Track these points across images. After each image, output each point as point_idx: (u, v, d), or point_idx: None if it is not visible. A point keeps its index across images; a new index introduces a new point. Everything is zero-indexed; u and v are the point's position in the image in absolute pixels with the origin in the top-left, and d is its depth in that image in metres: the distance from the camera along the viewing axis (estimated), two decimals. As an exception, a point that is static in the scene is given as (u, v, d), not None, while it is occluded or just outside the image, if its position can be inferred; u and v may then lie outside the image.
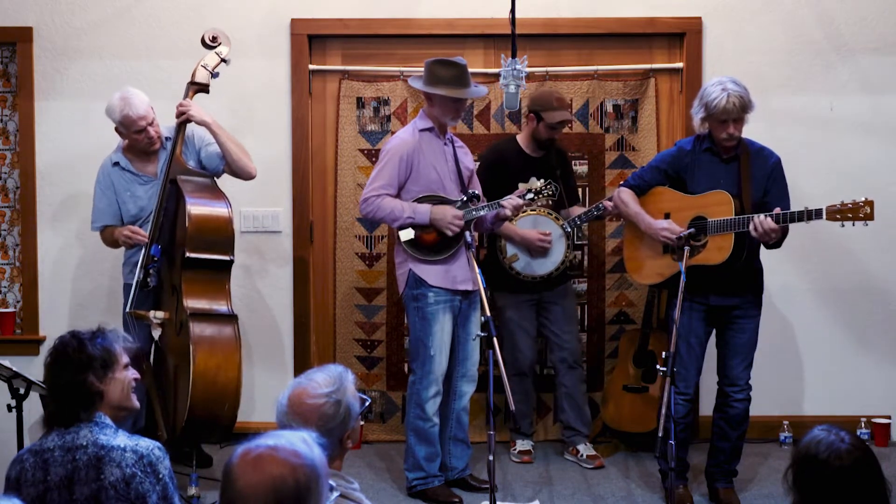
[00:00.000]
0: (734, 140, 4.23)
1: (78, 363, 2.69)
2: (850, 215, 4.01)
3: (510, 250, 4.92)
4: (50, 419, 2.74)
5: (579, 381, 5.10)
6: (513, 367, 5.03)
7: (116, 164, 4.71)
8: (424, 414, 4.48)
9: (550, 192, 4.50)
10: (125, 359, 2.79)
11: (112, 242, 4.76)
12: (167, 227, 4.57)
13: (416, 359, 4.52)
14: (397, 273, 4.62)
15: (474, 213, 4.46)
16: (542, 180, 4.61)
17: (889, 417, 5.35)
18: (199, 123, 4.61)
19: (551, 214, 4.94)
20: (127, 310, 4.56)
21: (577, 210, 5.05)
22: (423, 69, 4.54)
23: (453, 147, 4.61)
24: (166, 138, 4.68)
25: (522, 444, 5.10)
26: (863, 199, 4.01)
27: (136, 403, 2.83)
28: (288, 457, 1.91)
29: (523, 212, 4.84)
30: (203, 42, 4.71)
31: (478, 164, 5.00)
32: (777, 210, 4.11)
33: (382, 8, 5.40)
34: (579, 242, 5.41)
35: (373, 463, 5.06)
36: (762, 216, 4.08)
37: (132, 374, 2.81)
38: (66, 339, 2.75)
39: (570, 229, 4.91)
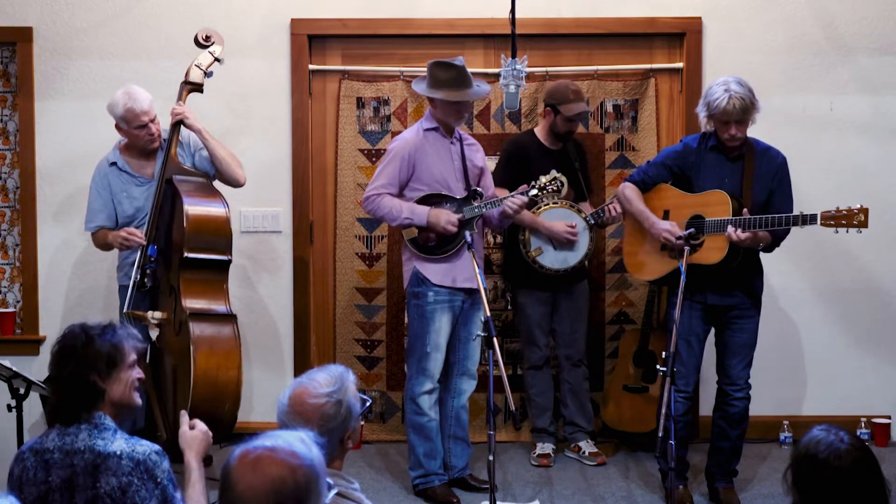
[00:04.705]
0: (737, 141, 4.22)
1: (83, 359, 2.63)
2: (844, 222, 3.98)
3: (534, 244, 4.88)
4: (51, 414, 2.69)
5: (583, 379, 5.11)
6: (529, 360, 5.06)
7: (114, 164, 4.68)
8: (420, 409, 4.50)
9: (555, 188, 4.48)
10: (132, 357, 2.72)
11: (103, 245, 4.75)
12: (164, 227, 4.55)
13: (413, 354, 4.55)
14: (403, 269, 4.65)
15: (475, 210, 4.47)
16: (546, 176, 4.57)
17: (889, 417, 5.35)
18: (191, 129, 4.61)
19: (573, 207, 4.92)
20: (124, 311, 4.54)
21: (586, 207, 5.03)
22: (423, 69, 4.55)
23: (461, 145, 4.62)
24: (164, 139, 4.67)
25: (542, 448, 5.05)
26: (858, 206, 3.98)
27: (139, 400, 2.76)
28: (287, 457, 1.90)
29: (545, 205, 4.84)
30: (196, 41, 4.70)
31: (497, 157, 5.04)
32: (745, 211, 4.10)
33: (382, 8, 5.39)
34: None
35: (373, 463, 5.06)
36: (732, 228, 4.09)
37: (137, 373, 2.74)
38: (76, 332, 2.68)
39: (592, 221, 4.89)
